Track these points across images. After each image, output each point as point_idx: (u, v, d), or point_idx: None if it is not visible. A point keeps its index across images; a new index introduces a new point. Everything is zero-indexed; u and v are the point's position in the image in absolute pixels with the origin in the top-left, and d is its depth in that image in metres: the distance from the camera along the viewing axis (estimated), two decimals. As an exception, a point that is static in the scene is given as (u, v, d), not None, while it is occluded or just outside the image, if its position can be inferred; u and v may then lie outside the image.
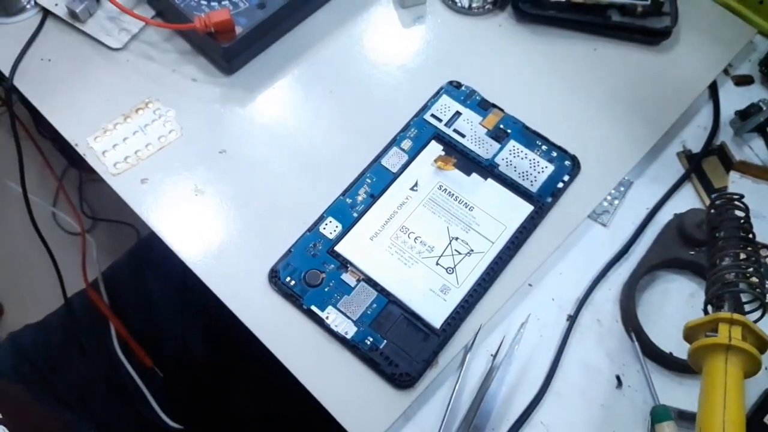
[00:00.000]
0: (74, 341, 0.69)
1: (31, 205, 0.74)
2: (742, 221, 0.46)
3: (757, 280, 0.43)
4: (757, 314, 0.42)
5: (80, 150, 0.54)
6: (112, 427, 0.67)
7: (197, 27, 0.52)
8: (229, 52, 0.54)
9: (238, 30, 0.53)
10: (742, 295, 0.43)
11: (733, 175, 0.56)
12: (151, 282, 0.71)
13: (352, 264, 0.49)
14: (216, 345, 0.69)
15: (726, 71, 0.61)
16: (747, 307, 0.43)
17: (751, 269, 0.43)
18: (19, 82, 0.55)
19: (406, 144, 0.54)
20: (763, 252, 0.53)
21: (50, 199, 1.25)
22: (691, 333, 0.43)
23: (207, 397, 0.71)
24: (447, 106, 0.56)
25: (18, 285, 1.25)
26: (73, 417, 0.65)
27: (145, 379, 0.68)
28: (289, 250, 0.50)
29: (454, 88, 0.57)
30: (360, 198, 0.52)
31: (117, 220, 1.25)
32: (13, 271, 1.26)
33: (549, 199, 0.53)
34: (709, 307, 0.44)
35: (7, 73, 0.55)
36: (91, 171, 0.57)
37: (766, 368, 0.50)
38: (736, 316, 0.40)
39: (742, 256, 0.44)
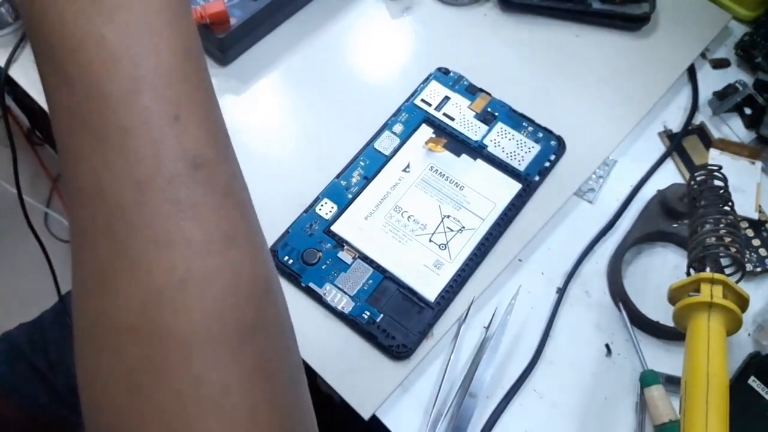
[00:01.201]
0: (70, 338, 0.69)
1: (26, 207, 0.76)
2: (721, 191, 0.48)
3: (736, 244, 0.45)
4: (737, 276, 0.44)
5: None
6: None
7: (193, 18, 0.53)
8: (224, 42, 0.55)
9: (233, 21, 0.55)
10: (722, 258, 0.45)
11: (713, 152, 0.58)
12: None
13: (347, 243, 0.51)
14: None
15: (703, 55, 0.63)
16: (727, 271, 0.45)
17: (730, 234, 0.45)
18: (18, 77, 0.57)
19: (398, 128, 0.56)
20: (743, 224, 0.55)
21: (42, 203, 1.26)
22: (675, 295, 0.44)
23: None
24: (436, 91, 0.58)
25: (7, 287, 1.26)
26: (71, 415, 0.66)
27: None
28: (287, 231, 0.51)
29: (442, 74, 0.59)
30: (354, 180, 0.53)
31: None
32: (2, 273, 1.27)
33: (536, 178, 0.54)
34: (691, 271, 0.45)
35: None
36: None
37: (749, 334, 0.52)
38: (717, 275, 0.42)
39: (722, 222, 0.46)
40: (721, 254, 0.44)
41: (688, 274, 0.46)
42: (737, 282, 0.43)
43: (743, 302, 0.42)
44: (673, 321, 0.44)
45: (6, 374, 0.66)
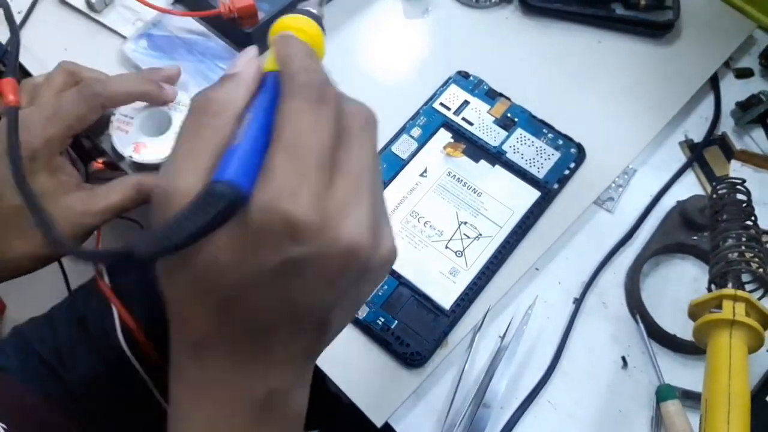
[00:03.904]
0: (81, 334, 0.69)
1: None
2: (744, 204, 0.47)
3: (759, 260, 0.44)
4: (760, 292, 0.44)
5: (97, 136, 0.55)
6: (119, 420, 0.67)
7: (221, 12, 0.53)
8: (251, 37, 0.55)
9: (261, 15, 0.54)
10: (743, 274, 0.44)
11: (735, 164, 0.57)
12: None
13: (363, 247, 0.50)
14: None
15: (727, 64, 0.62)
16: (749, 287, 0.44)
17: (753, 249, 0.44)
18: (37, 72, 0.56)
19: (416, 132, 0.55)
20: (765, 237, 0.54)
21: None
22: (696, 310, 0.44)
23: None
24: (455, 95, 0.57)
25: (19, 280, 1.26)
26: (81, 409, 0.66)
27: (151, 371, 0.69)
28: (302, 234, 0.51)
29: (462, 78, 0.58)
30: (371, 183, 0.53)
31: (121, 216, 1.26)
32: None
33: (555, 186, 0.54)
34: (713, 286, 0.45)
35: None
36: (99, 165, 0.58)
37: (767, 350, 0.51)
38: (740, 292, 0.42)
39: (745, 237, 0.45)
40: (744, 270, 0.44)
41: (710, 289, 0.45)
42: (760, 299, 0.43)
43: (766, 320, 0.42)
44: (693, 337, 0.44)
45: (17, 369, 0.66)
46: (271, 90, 0.28)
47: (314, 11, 0.35)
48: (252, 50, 0.31)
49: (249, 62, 0.30)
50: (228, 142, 0.27)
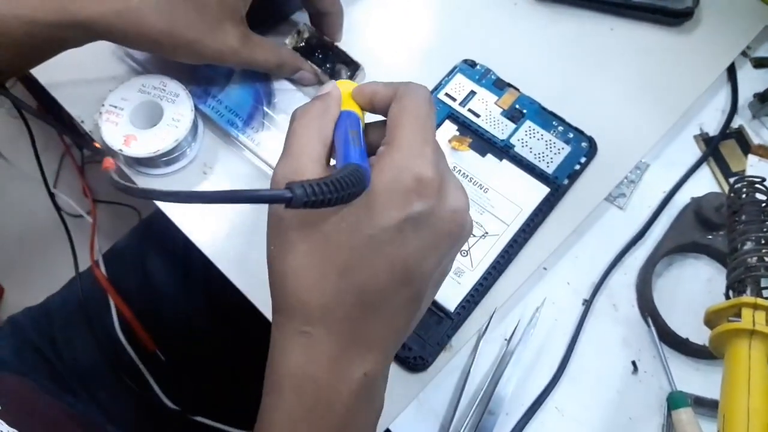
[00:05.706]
0: (76, 324, 0.67)
1: (31, 186, 0.73)
2: (763, 204, 0.45)
3: (780, 265, 0.42)
4: (780, 299, 0.42)
5: (86, 127, 0.52)
6: (114, 411, 0.66)
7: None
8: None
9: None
10: (763, 279, 0.42)
11: (752, 159, 0.55)
12: (153, 264, 0.70)
13: (364, 245, 0.48)
14: (221, 328, 0.68)
15: (744, 53, 0.60)
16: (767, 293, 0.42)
17: (774, 254, 0.42)
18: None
19: (420, 124, 0.53)
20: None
21: (50, 181, 1.24)
22: (712, 318, 0.42)
23: (211, 381, 0.70)
24: (461, 85, 0.55)
25: (17, 266, 1.24)
26: (76, 401, 0.64)
27: (148, 362, 0.67)
28: (301, 231, 0.49)
29: (468, 67, 0.56)
30: (373, 178, 0.51)
31: (118, 202, 1.24)
32: (11, 253, 1.25)
33: (565, 181, 0.51)
34: (731, 292, 0.43)
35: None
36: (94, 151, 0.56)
37: (783, 355, 0.49)
38: (760, 301, 0.40)
39: (764, 240, 0.43)
40: (764, 276, 0.42)
41: (727, 296, 0.43)
42: (780, 306, 0.41)
43: (786, 329, 0.40)
44: (709, 346, 0.42)
45: (11, 359, 0.65)
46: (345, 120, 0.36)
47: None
48: (332, 82, 0.38)
49: (334, 86, 0.37)
50: (331, 138, 0.34)
